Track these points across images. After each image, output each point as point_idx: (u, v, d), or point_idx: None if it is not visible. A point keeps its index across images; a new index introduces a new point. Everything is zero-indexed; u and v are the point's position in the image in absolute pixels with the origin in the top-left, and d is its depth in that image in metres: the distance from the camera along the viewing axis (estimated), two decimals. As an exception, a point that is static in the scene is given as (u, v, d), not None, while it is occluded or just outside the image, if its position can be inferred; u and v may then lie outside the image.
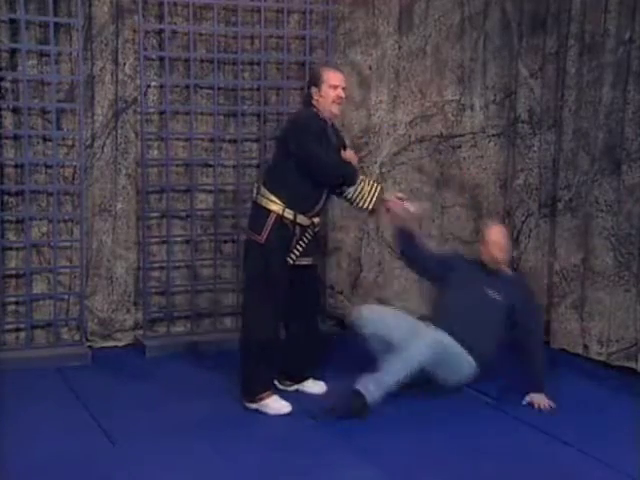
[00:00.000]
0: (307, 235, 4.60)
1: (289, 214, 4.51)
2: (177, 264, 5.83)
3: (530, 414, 4.60)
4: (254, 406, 4.56)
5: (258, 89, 5.91)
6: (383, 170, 6.34)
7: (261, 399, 4.55)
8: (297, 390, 4.87)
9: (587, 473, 3.96)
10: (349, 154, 4.74)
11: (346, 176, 4.60)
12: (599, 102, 5.55)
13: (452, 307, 4.92)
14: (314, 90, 4.58)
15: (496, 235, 5.04)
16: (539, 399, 4.72)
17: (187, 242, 5.81)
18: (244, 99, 5.90)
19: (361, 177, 4.66)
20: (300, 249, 4.57)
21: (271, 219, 4.49)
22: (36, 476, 3.80)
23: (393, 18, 6.25)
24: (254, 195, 4.63)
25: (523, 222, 6.21)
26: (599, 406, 4.81)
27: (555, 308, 5.92)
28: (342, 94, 4.60)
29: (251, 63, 5.91)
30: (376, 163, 6.28)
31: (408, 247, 5.18)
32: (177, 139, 5.77)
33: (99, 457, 4.01)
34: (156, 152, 5.73)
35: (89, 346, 5.57)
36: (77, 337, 5.58)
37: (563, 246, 5.88)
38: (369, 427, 4.45)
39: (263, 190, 4.56)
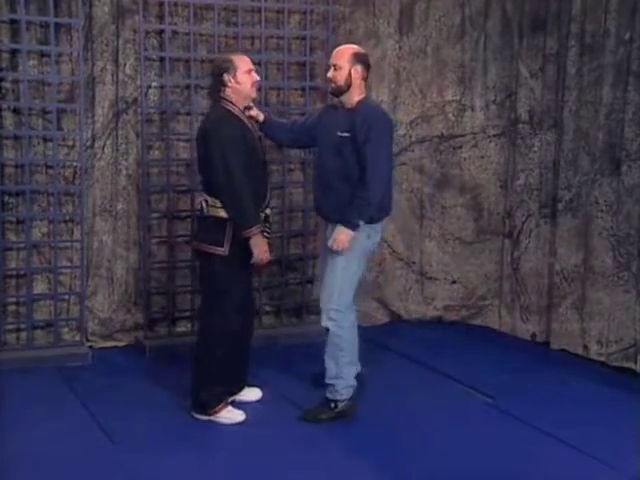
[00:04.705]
0: (266, 230, 4.47)
1: None
2: (177, 264, 5.83)
3: (529, 414, 4.60)
4: (205, 418, 4.46)
5: (259, 89, 5.90)
6: (383, 170, 6.34)
7: (215, 412, 4.45)
8: (233, 400, 4.65)
9: (587, 473, 3.97)
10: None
11: (237, 216, 4.31)
12: (599, 102, 5.55)
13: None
14: (227, 77, 4.35)
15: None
16: (339, 235, 4.38)
17: (187, 242, 5.81)
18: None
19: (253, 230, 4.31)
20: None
21: (230, 227, 4.32)
22: (36, 475, 3.81)
23: (393, 18, 6.25)
24: (205, 210, 4.40)
25: (523, 222, 6.21)
26: (599, 406, 4.81)
27: (555, 308, 5.91)
28: (258, 77, 4.50)
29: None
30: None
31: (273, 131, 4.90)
32: (178, 139, 5.77)
33: (99, 457, 4.02)
34: (157, 152, 5.73)
35: (89, 346, 5.58)
36: (77, 337, 5.58)
37: (563, 246, 5.88)
38: (365, 425, 4.47)
39: (212, 201, 4.37)
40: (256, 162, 4.45)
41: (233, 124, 4.38)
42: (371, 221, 4.45)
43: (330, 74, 4.50)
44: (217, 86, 4.45)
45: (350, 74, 4.43)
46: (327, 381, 4.50)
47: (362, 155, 4.37)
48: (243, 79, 4.40)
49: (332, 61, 4.52)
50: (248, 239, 4.31)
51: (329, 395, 4.51)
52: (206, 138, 4.34)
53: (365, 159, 4.36)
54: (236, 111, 4.44)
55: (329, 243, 4.43)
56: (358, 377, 4.92)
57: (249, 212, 4.32)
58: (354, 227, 4.38)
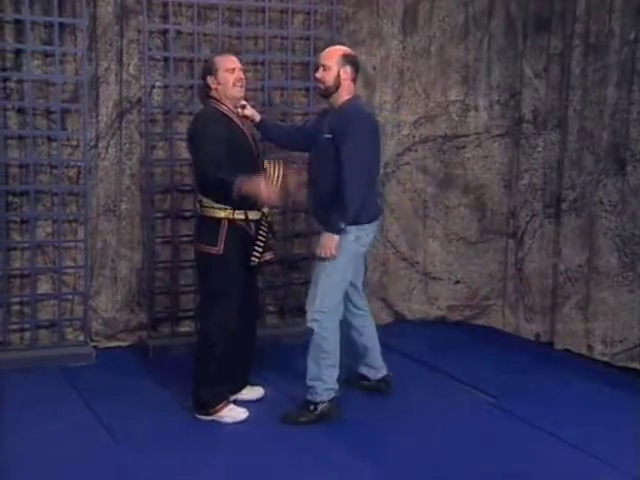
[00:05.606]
0: (263, 229, 4.45)
1: (240, 214, 4.34)
2: (181, 264, 5.84)
3: (532, 414, 4.59)
4: (208, 418, 4.45)
5: (262, 89, 5.92)
6: (387, 170, 6.34)
7: (216, 411, 4.45)
8: (235, 399, 4.64)
9: (589, 473, 3.96)
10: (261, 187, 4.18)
11: (219, 193, 4.27)
12: (604, 102, 5.54)
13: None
14: (210, 79, 4.39)
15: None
16: (324, 241, 4.35)
17: (191, 242, 5.81)
18: (248, 99, 5.89)
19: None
20: (261, 245, 4.43)
21: (224, 227, 4.32)
22: (40, 474, 3.82)
23: (397, 18, 6.26)
24: (198, 210, 4.46)
25: (527, 222, 6.20)
26: (601, 406, 4.80)
27: (559, 308, 5.91)
28: (241, 75, 4.45)
29: (255, 63, 5.92)
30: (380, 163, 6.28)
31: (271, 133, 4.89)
32: (181, 139, 5.75)
33: (102, 456, 4.03)
34: (160, 152, 5.74)
35: (93, 346, 5.59)
36: (81, 337, 5.59)
37: (567, 246, 5.87)
38: (367, 426, 4.47)
39: (206, 201, 4.37)
40: (245, 161, 4.39)
41: (218, 122, 4.36)
42: (355, 222, 4.37)
43: (319, 74, 4.47)
44: (204, 89, 4.48)
45: (339, 75, 4.40)
46: (307, 382, 4.46)
47: (340, 156, 4.30)
48: (224, 79, 4.40)
49: (321, 61, 4.47)
50: (249, 197, 4.16)
51: (309, 397, 4.47)
52: (194, 138, 4.36)
53: (342, 159, 4.29)
54: (225, 110, 4.43)
55: (316, 250, 4.41)
56: (385, 379, 4.90)
57: (225, 180, 4.17)
58: (337, 231, 4.32)
